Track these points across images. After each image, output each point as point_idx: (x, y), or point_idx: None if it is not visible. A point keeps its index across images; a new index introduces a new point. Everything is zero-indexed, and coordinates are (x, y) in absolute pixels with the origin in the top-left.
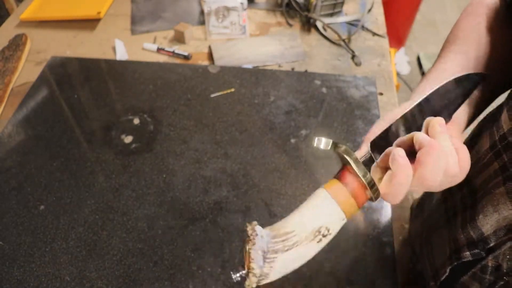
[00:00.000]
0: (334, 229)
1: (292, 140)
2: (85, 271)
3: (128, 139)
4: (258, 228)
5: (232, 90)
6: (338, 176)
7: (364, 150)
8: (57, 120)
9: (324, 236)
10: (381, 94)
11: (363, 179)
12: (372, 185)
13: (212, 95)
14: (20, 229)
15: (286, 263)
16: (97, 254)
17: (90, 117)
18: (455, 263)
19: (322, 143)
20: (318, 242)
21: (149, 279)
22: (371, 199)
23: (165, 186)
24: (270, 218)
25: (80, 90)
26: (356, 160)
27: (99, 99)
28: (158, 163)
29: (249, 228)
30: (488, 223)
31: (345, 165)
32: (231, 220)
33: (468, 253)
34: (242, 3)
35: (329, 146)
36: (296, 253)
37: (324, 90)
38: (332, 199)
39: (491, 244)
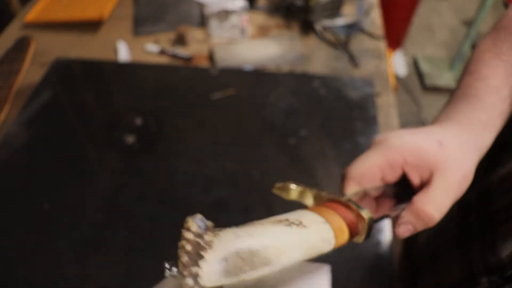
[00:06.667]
0: (310, 225)
1: (292, 140)
2: (88, 269)
3: (130, 139)
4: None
5: (233, 91)
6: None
7: (349, 190)
8: (61, 120)
9: (296, 224)
10: (378, 95)
11: (365, 216)
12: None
13: (213, 97)
14: (24, 228)
15: (240, 235)
16: (100, 253)
17: (93, 118)
18: None
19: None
20: (287, 225)
21: (151, 278)
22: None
23: (167, 186)
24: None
25: (83, 91)
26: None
27: (102, 100)
28: (160, 163)
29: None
30: (508, 249)
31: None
32: (232, 219)
33: (485, 279)
34: (242, 6)
35: (295, 187)
36: (254, 229)
37: (322, 91)
38: (312, 212)
39: (509, 273)
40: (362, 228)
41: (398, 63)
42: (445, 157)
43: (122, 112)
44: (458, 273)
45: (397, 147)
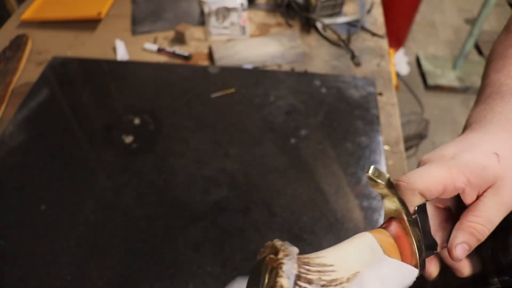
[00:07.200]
0: None
1: (292, 140)
2: (86, 271)
3: (128, 139)
4: (292, 248)
5: (232, 90)
6: (388, 228)
7: (416, 201)
8: (58, 120)
9: None
10: (380, 94)
11: (417, 254)
12: (422, 263)
13: (213, 96)
14: (22, 229)
15: None
16: (98, 254)
17: (91, 117)
18: None
19: (381, 176)
20: None
21: (150, 279)
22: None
23: (166, 186)
24: (270, 218)
25: (81, 90)
26: (412, 223)
27: (100, 99)
28: (159, 163)
29: (278, 244)
30: None
31: (393, 218)
32: (231, 220)
33: (496, 279)
34: (242, 4)
35: (385, 181)
36: None
37: (323, 90)
38: (381, 249)
39: None
40: (413, 265)
41: (400, 62)
42: (503, 173)
43: (120, 111)
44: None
45: (461, 168)
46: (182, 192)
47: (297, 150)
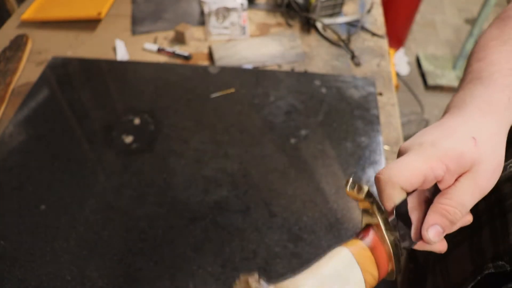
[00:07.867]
0: None
1: (292, 140)
2: (86, 271)
3: (128, 139)
4: (264, 284)
5: (232, 90)
6: (365, 239)
7: (396, 196)
8: (58, 120)
9: None
10: (380, 94)
11: (394, 262)
12: (398, 269)
13: (212, 96)
14: (21, 229)
15: None
16: (97, 254)
17: (91, 117)
18: (479, 277)
19: (356, 188)
20: None
21: (150, 279)
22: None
23: (166, 186)
24: (270, 218)
25: (81, 90)
26: (389, 231)
27: (100, 99)
28: (159, 163)
29: (251, 280)
30: None
31: (371, 224)
32: (231, 220)
33: (491, 264)
34: (242, 4)
35: (363, 195)
36: None
37: (323, 90)
38: (359, 267)
39: None
40: (390, 271)
41: (400, 62)
42: (479, 158)
43: (120, 111)
44: (469, 266)
45: (440, 156)
46: (182, 192)
47: (297, 150)
